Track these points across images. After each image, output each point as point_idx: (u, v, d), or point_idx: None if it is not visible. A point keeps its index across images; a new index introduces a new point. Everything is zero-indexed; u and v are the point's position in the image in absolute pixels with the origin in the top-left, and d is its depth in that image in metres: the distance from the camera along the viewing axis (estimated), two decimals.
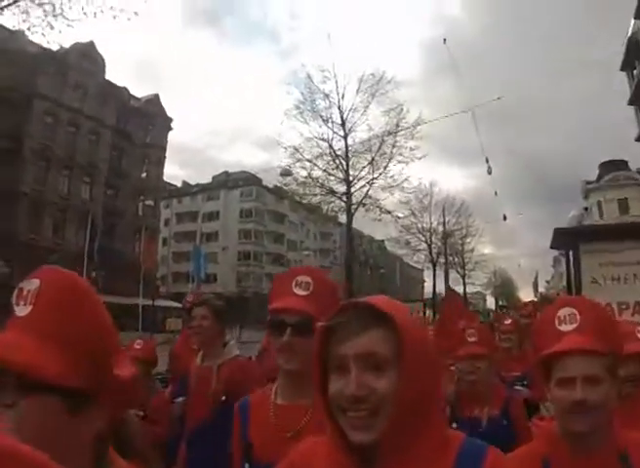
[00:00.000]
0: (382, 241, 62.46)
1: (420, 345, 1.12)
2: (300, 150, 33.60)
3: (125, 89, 54.40)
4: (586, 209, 57.74)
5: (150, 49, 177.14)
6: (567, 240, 6.24)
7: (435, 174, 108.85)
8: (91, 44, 48.83)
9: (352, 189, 33.39)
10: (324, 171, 33.78)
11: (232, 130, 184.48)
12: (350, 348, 1.11)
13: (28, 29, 18.21)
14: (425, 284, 78.32)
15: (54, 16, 17.88)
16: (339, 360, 1.13)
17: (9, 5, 17.65)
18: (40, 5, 17.80)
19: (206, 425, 3.29)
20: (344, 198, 33.47)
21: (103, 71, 50.85)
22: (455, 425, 3.15)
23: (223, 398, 3.26)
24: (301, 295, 1.95)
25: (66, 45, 44.44)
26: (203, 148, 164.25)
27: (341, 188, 33.76)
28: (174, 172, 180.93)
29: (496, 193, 32.57)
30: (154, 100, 57.52)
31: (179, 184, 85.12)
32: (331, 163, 33.83)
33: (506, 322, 6.55)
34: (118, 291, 45.00)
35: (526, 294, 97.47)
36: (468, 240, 53.74)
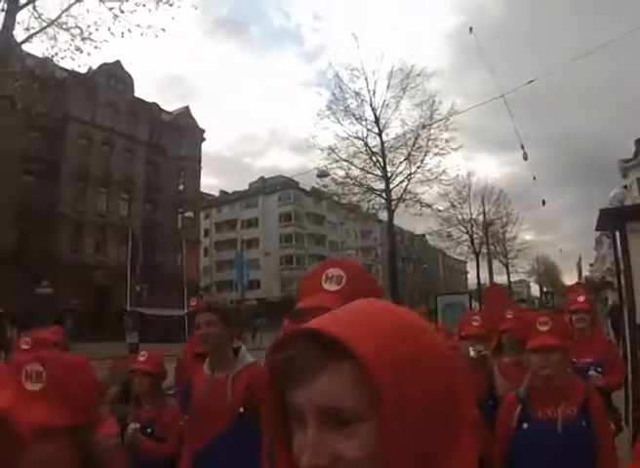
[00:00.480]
0: (423, 235, 61.88)
1: (409, 378, 0.71)
2: (336, 150, 33.73)
3: (155, 104, 55.28)
4: (625, 187, 56.63)
5: (179, 63, 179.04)
6: (613, 220, 5.94)
7: (471, 164, 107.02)
8: (117, 63, 49.80)
9: (391, 185, 33.34)
10: (361, 169, 33.80)
11: (266, 136, 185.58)
12: (305, 397, 0.75)
13: (56, 55, 18.46)
14: (469, 275, 77.83)
15: (82, 39, 18.08)
16: (295, 411, 0.77)
17: (37, 32, 17.93)
18: (67, 29, 18.01)
19: (222, 440, 3.11)
20: (384, 195, 33.44)
21: (132, 89, 51.81)
22: (525, 426, 3.00)
23: (241, 410, 3.11)
24: (332, 291, 1.70)
25: (94, 66, 45.62)
26: (238, 156, 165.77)
27: (380, 185, 33.75)
28: (210, 182, 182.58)
29: (534, 178, 32.10)
30: (185, 113, 58.27)
31: (216, 194, 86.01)
32: (368, 161, 33.84)
33: (580, 299, 5.63)
34: (163, 303, 45.77)
35: (570, 279, 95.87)
36: (509, 228, 53.15)
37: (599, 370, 4.78)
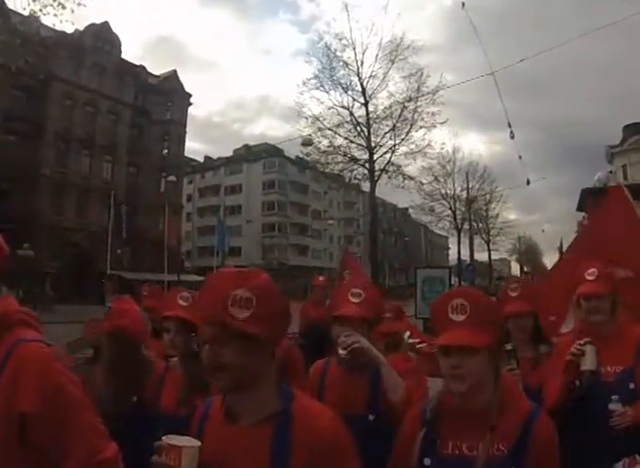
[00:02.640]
0: (407, 209, 62.15)
1: None
2: (321, 119, 33.77)
3: (142, 67, 54.70)
4: (611, 172, 57.04)
5: (171, 26, 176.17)
6: (594, 200, 5.79)
7: (459, 140, 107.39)
8: (105, 24, 49.11)
9: (374, 156, 33.45)
10: (345, 138, 33.91)
11: (256, 104, 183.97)
12: None
13: (40, 11, 17.98)
14: (450, 251, 78.34)
15: None
16: None
17: None
18: None
19: None
20: (367, 165, 33.58)
21: (119, 51, 51.10)
22: (428, 462, 1.95)
23: None
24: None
25: (80, 27, 44.90)
26: (228, 123, 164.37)
27: (364, 156, 33.89)
28: (198, 147, 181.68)
29: (520, 157, 32.25)
30: (172, 77, 57.60)
31: (201, 160, 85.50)
32: (352, 131, 33.91)
33: (589, 275, 3.29)
34: (144, 267, 45.77)
35: (551, 260, 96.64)
36: (492, 206, 53.50)
37: (632, 386, 2.98)
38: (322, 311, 7.16)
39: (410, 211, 61.13)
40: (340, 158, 34.12)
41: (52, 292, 37.68)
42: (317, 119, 33.52)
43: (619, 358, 3.04)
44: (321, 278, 8.94)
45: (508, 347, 3.09)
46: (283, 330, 1.81)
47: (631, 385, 2.96)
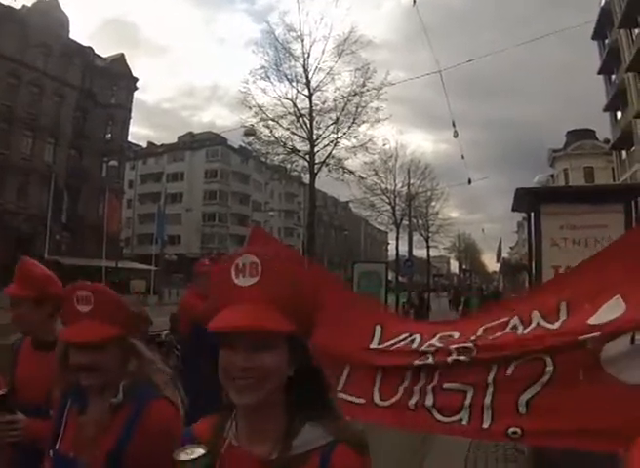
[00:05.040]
0: (347, 202, 62.62)
1: None
2: (264, 109, 33.96)
3: (90, 48, 53.51)
4: (552, 176, 58.97)
5: (124, 8, 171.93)
6: (529, 200, 6.01)
7: (404, 137, 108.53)
8: (54, 2, 47.95)
9: (316, 149, 33.83)
10: (287, 129, 34.19)
11: (206, 92, 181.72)
12: None
13: None
14: (390, 246, 79.35)
15: None
16: None
17: None
18: None
19: None
20: (307, 157, 33.94)
21: (67, 31, 49.91)
22: None
23: None
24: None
25: (28, 3, 43.82)
26: (177, 110, 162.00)
27: (305, 148, 34.23)
28: (145, 133, 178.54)
29: (462, 156, 33.12)
30: (120, 60, 56.63)
31: (145, 145, 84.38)
32: (294, 122, 34.22)
33: None
34: (82, 253, 45.16)
35: (489, 259, 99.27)
36: (433, 203, 54.37)
37: None
38: None
39: (350, 205, 61.65)
40: (280, 149, 34.45)
41: None
42: (260, 109, 33.76)
43: None
44: (207, 262, 6.64)
45: None
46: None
47: None
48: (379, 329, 3.71)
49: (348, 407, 3.51)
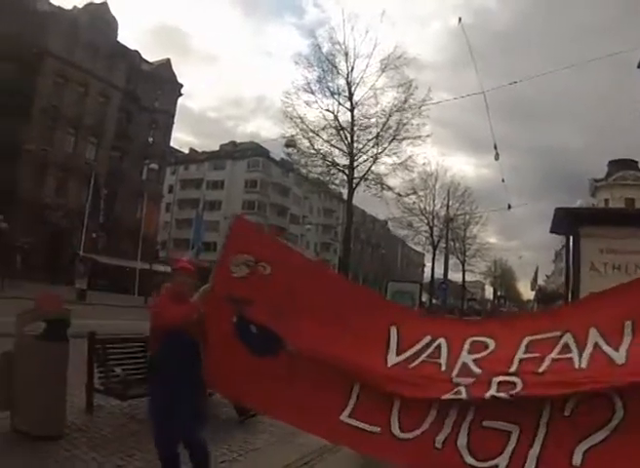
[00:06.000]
0: (386, 221, 62.32)
1: None
2: (305, 121, 33.96)
3: (136, 52, 54.34)
4: (593, 205, 57.81)
5: (176, 16, 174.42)
6: (569, 221, 5.68)
7: (449, 160, 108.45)
8: (104, 5, 48.77)
9: (355, 163, 33.71)
10: (326, 141, 34.13)
11: (253, 103, 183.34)
12: None
13: None
14: (426, 268, 78.65)
15: None
16: None
17: None
18: None
19: None
20: (346, 171, 33.74)
21: (115, 33, 50.77)
22: None
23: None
24: None
25: (79, 5, 44.59)
26: (222, 119, 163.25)
27: (345, 162, 34.09)
28: (187, 139, 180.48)
29: (503, 180, 32.77)
30: (165, 66, 57.39)
31: (186, 151, 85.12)
32: (335, 135, 34.17)
33: None
34: (117, 252, 45.45)
35: (524, 287, 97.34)
36: (471, 227, 53.87)
37: None
38: (185, 309, 4.34)
39: (389, 224, 61.28)
40: (320, 162, 34.39)
41: (21, 267, 37.30)
42: (302, 120, 33.79)
43: None
44: (185, 258, 5.77)
45: None
46: None
47: None
48: (394, 331, 3.30)
49: (359, 436, 3.11)
